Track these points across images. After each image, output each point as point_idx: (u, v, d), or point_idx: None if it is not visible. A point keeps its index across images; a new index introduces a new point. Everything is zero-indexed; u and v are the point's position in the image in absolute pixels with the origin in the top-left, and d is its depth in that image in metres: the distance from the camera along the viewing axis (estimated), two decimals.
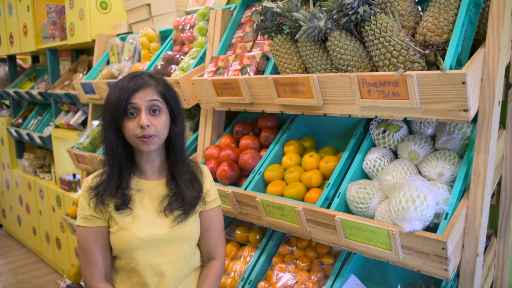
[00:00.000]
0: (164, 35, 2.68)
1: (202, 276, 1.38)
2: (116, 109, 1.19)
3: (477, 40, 1.38)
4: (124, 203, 1.25)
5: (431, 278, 1.41)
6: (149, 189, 1.31)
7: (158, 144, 1.26)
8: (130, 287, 1.29)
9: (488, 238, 1.55)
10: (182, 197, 1.29)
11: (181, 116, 1.30)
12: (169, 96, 1.26)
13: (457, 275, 1.30)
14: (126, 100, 1.19)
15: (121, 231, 1.25)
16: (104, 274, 1.28)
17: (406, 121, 1.53)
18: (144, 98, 1.21)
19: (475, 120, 1.31)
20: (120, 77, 2.58)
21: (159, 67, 2.31)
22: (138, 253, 1.25)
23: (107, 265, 1.29)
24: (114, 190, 1.25)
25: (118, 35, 3.09)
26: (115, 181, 1.25)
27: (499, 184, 1.53)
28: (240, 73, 1.75)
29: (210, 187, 1.39)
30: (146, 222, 1.26)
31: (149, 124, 1.20)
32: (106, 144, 1.24)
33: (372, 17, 1.31)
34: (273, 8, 1.56)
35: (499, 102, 1.23)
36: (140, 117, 1.20)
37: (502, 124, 1.47)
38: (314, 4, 1.49)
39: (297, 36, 1.46)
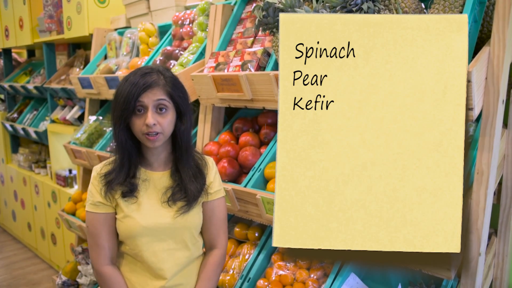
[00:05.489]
0: (163, 30, 2.65)
1: (203, 264, 1.44)
2: (125, 108, 1.26)
3: (480, 39, 1.37)
4: (130, 191, 1.31)
5: (432, 277, 1.40)
6: (155, 180, 1.36)
7: (163, 140, 1.31)
8: (135, 270, 1.37)
9: (488, 237, 1.54)
10: (185, 189, 1.33)
11: (188, 113, 1.35)
12: (176, 95, 1.30)
13: (457, 274, 1.29)
14: (135, 99, 1.25)
15: (126, 219, 1.32)
16: (111, 258, 1.36)
17: None
18: (152, 97, 1.26)
19: (477, 119, 1.30)
20: (121, 71, 2.57)
21: (158, 62, 2.29)
22: (142, 240, 1.32)
23: (114, 249, 1.37)
24: (123, 179, 1.31)
25: (116, 29, 3.05)
26: (125, 171, 1.32)
27: (500, 183, 1.52)
28: (241, 69, 1.73)
29: (214, 179, 1.42)
30: (150, 211, 1.33)
31: (155, 123, 1.26)
32: (117, 140, 1.30)
33: (376, 14, 1.29)
34: (275, 3, 1.54)
35: (503, 101, 1.22)
36: (147, 115, 1.26)
37: (504, 123, 1.46)
38: (317, 0, 1.47)
39: None
